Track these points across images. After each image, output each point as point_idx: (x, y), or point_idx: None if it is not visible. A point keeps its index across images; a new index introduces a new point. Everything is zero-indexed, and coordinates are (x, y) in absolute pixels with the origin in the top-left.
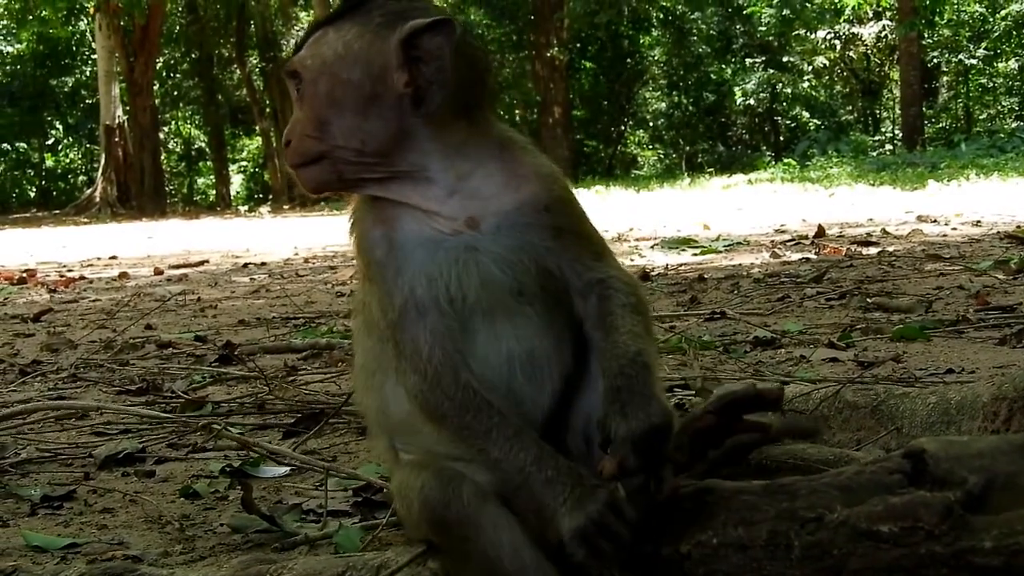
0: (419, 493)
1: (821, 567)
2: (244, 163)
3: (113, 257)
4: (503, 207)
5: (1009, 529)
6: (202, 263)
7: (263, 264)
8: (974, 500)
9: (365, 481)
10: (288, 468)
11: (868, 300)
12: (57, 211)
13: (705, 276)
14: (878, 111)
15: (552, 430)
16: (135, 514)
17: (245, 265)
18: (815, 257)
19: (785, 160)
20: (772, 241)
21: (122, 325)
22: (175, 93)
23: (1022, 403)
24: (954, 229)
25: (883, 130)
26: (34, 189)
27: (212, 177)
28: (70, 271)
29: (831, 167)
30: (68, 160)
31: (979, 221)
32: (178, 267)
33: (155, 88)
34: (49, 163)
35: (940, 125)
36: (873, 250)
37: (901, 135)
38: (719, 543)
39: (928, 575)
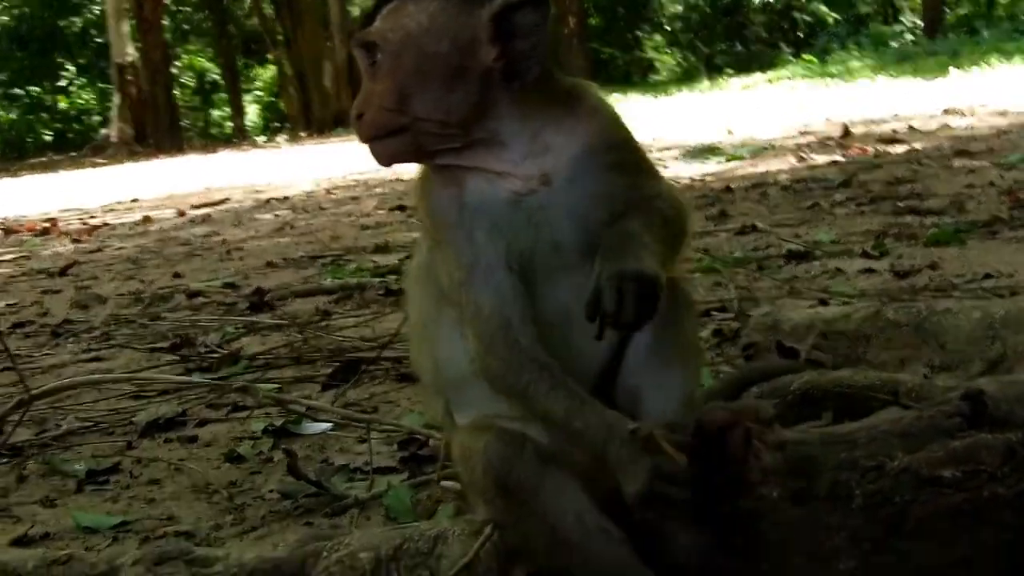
0: (482, 456)
1: (883, 515)
2: (258, 93)
3: (134, 200)
4: (572, 157)
5: None
6: (224, 201)
7: (285, 199)
8: None
9: (409, 432)
10: (330, 424)
11: (899, 204)
12: (74, 153)
13: (732, 186)
14: (897, 1)
15: (604, 384)
16: (182, 484)
17: (267, 201)
18: (842, 159)
19: (805, 57)
20: (797, 144)
21: (149, 275)
22: (186, 27)
23: None
24: (980, 120)
25: (902, 20)
26: (49, 133)
27: (227, 109)
28: (92, 218)
29: (851, 60)
30: (82, 101)
31: (1005, 111)
32: (200, 207)
33: (165, 23)
34: (63, 105)
35: (961, 12)
36: (900, 148)
37: (922, 24)
38: (779, 496)
39: (991, 518)
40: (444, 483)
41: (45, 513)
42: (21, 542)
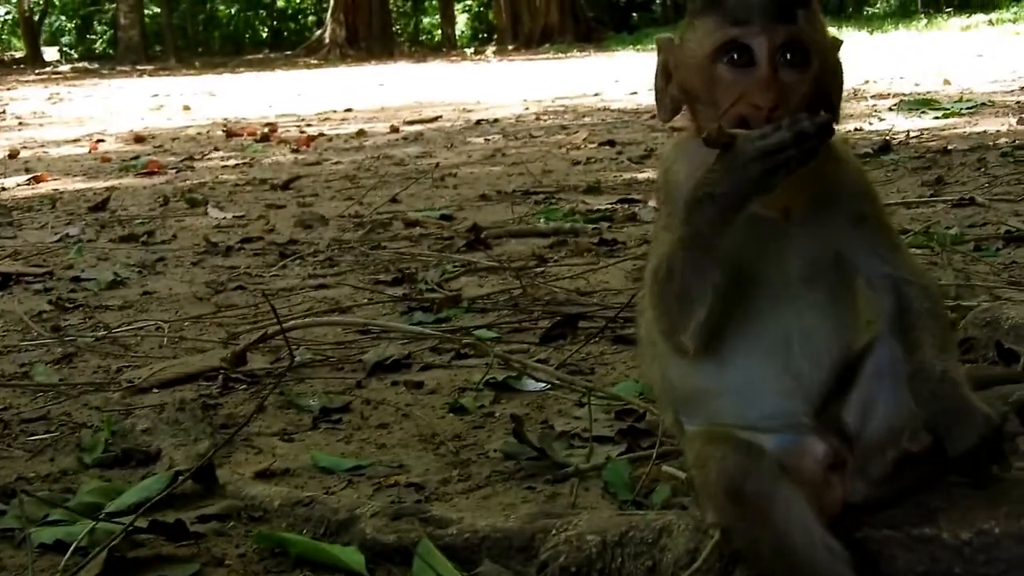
0: (718, 463)
1: None
2: (469, 2)
3: (348, 110)
4: (814, 196)
5: None
6: (435, 119)
7: (495, 121)
8: None
9: (626, 402)
10: (548, 384)
11: None
12: (288, 52)
13: (949, 148)
14: None
15: (830, 409)
16: (409, 431)
17: (478, 123)
18: None
19: None
20: (1018, 103)
21: (368, 197)
22: None
23: None
24: None
25: None
26: (266, 30)
27: (437, 17)
28: (309, 126)
29: None
30: (298, 0)
31: None
32: (412, 123)
33: None
34: (280, 4)
35: None
36: None
37: None
38: (1001, 533)
39: None
40: (662, 465)
41: (284, 447)
42: (264, 475)
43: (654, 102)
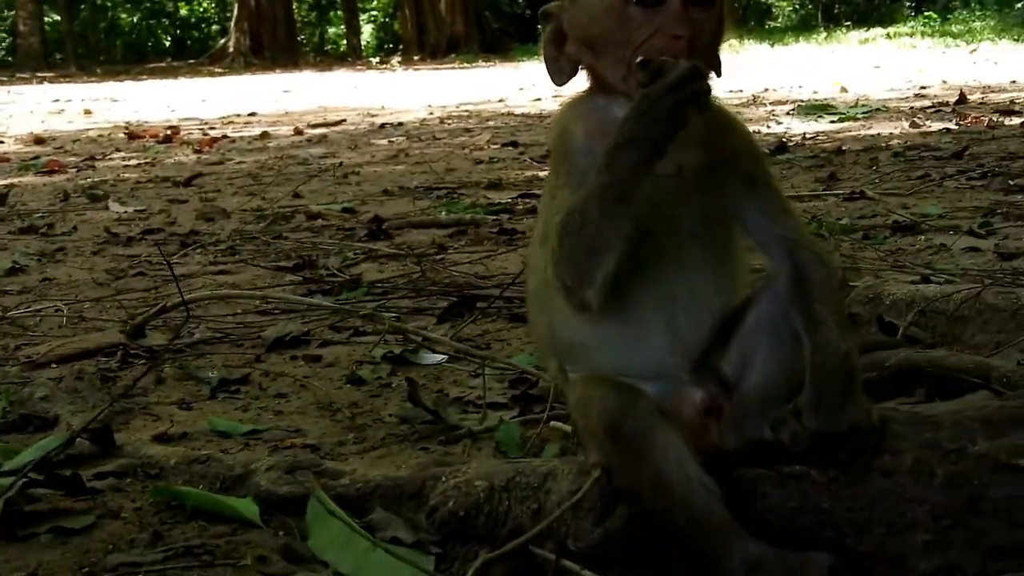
0: (599, 403)
1: (962, 495)
2: (374, 13)
3: (252, 114)
4: (705, 156)
5: None
6: (340, 122)
7: (400, 124)
8: None
9: (520, 371)
10: (445, 356)
11: (1010, 182)
12: (192, 60)
13: (843, 148)
14: None
15: (709, 359)
16: (307, 400)
17: (382, 125)
18: (956, 128)
19: (926, 13)
20: (911, 108)
21: (270, 193)
22: None
23: None
24: None
25: None
26: (168, 38)
27: (343, 27)
28: (212, 128)
29: (973, 20)
30: (201, 9)
31: None
32: (317, 126)
33: None
34: (183, 12)
35: None
36: (1016, 120)
37: None
38: (867, 467)
39: None
40: (552, 423)
41: (181, 414)
42: (162, 439)
43: (547, 72)
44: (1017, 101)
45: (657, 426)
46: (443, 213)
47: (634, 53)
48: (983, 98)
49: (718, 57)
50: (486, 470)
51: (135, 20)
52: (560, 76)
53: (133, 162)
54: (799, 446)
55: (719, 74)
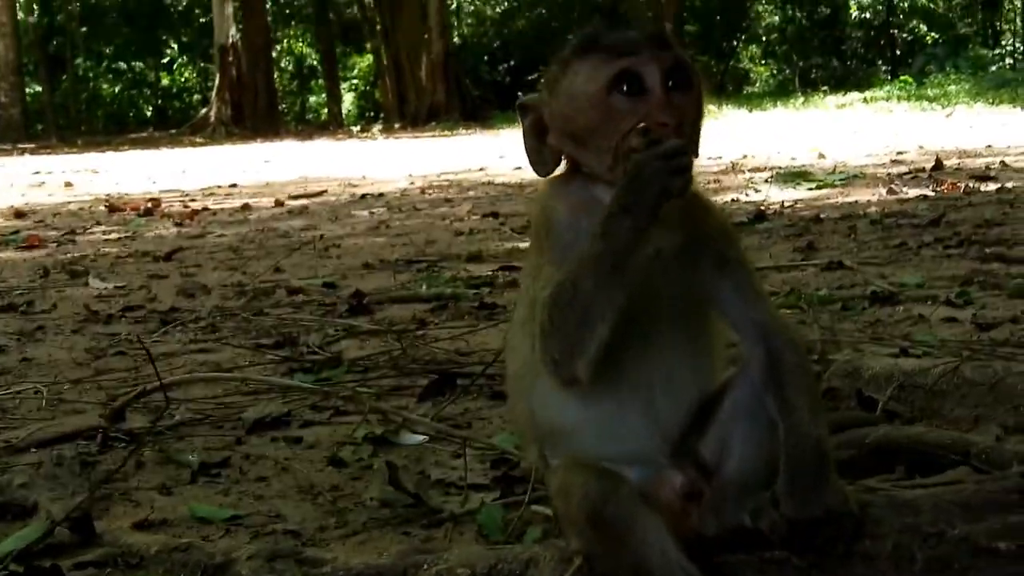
0: (580, 489)
1: None
2: (355, 82)
3: (233, 185)
4: (681, 238)
5: None
6: (321, 193)
7: (380, 195)
8: None
9: (502, 451)
10: (426, 437)
11: (986, 250)
12: (173, 130)
13: (822, 216)
14: (998, 23)
15: (688, 443)
16: (288, 483)
17: (363, 196)
18: (932, 194)
19: (902, 77)
20: (889, 175)
21: (251, 267)
22: (287, 11)
23: None
24: None
25: (1003, 43)
26: (150, 108)
27: (324, 96)
28: (193, 200)
29: (949, 84)
30: (183, 79)
31: None
32: (297, 197)
33: (268, 6)
34: (165, 82)
35: None
36: (992, 186)
37: (1022, 49)
38: (847, 552)
39: None
40: (534, 506)
41: (162, 500)
42: (142, 526)
43: (528, 163)
44: (992, 167)
45: (638, 512)
46: (424, 287)
47: (622, 141)
48: (959, 163)
49: (698, 139)
50: (468, 558)
51: (116, 90)
52: (543, 167)
53: (114, 236)
54: (778, 534)
55: (697, 155)
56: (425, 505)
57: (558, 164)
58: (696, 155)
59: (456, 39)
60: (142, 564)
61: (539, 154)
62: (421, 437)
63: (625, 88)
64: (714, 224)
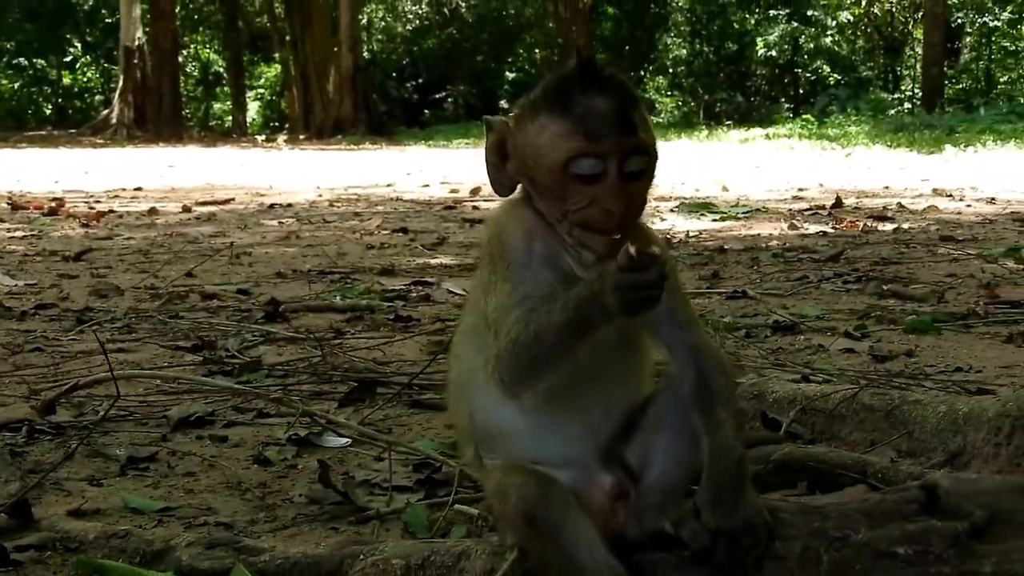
0: (517, 491)
1: None
2: (261, 91)
3: (138, 188)
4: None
5: (1006, 557)
6: (228, 201)
7: (289, 206)
8: (978, 531)
9: (425, 455)
10: (349, 440)
11: (883, 287)
12: (73, 130)
13: (726, 247)
14: (899, 69)
15: (616, 449)
16: (216, 479)
17: (271, 206)
18: (832, 231)
19: (803, 116)
20: (790, 210)
21: (162, 271)
22: (195, 17)
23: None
24: (968, 206)
25: (903, 88)
26: (50, 107)
27: (229, 103)
28: (98, 202)
29: (849, 125)
30: (85, 79)
31: (993, 199)
32: (205, 204)
33: (176, 10)
34: (66, 81)
35: (960, 86)
36: (889, 226)
37: (921, 95)
38: (760, 558)
39: None
40: (457, 506)
41: (93, 491)
42: (77, 514)
43: (488, 179)
44: (890, 207)
45: (570, 513)
46: (338, 298)
47: (573, 214)
48: (858, 202)
49: (642, 210)
50: (402, 550)
51: (16, 87)
52: (501, 188)
53: (19, 234)
54: (699, 543)
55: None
56: (352, 503)
57: (514, 189)
58: (639, 217)
59: (366, 54)
60: (81, 548)
61: (498, 175)
62: (344, 440)
63: (584, 169)
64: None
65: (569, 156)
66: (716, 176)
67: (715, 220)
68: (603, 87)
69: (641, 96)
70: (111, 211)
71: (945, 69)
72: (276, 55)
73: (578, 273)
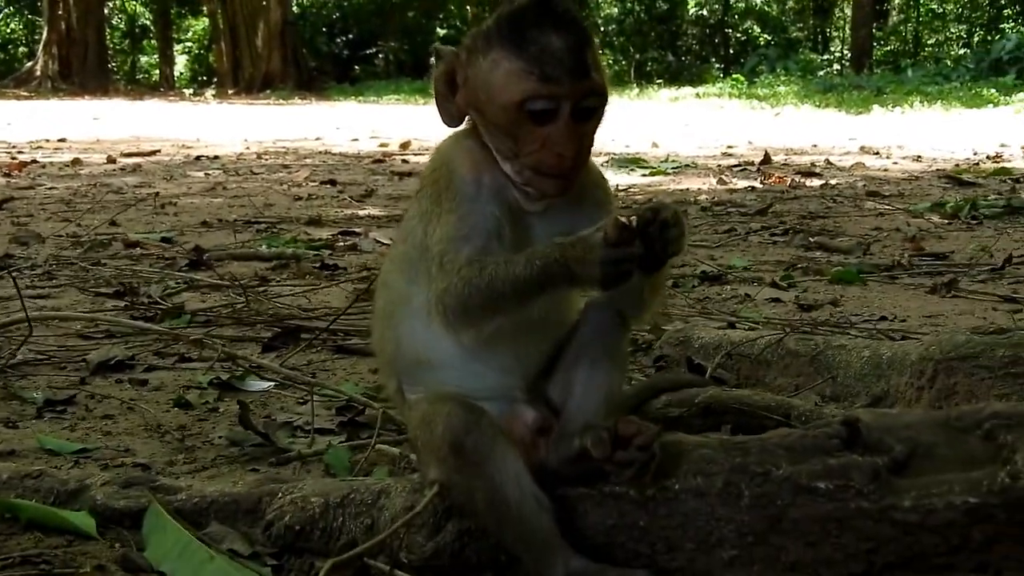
0: (445, 419)
1: (766, 515)
2: (189, 44)
3: (62, 140)
4: (568, 205)
5: (926, 491)
6: (154, 152)
7: (216, 158)
8: (898, 465)
9: (347, 398)
10: (272, 383)
11: (810, 239)
12: None
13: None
14: (828, 30)
15: (539, 384)
16: (135, 422)
17: (198, 158)
18: (760, 187)
19: (734, 76)
20: (719, 166)
21: (85, 220)
22: None
23: (945, 364)
24: (895, 163)
25: (832, 50)
26: None
27: (156, 56)
28: (20, 152)
29: (778, 85)
30: (8, 30)
31: (919, 156)
32: (130, 155)
33: None
34: None
35: (888, 48)
36: (816, 182)
37: (849, 56)
38: (680, 488)
39: (856, 525)
40: (380, 447)
41: (8, 432)
42: None
43: (436, 108)
44: (817, 164)
45: (497, 442)
46: (264, 246)
47: (524, 157)
48: (786, 159)
49: (591, 150)
50: (321, 487)
51: None
52: (449, 119)
53: None
54: (601, 451)
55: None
56: (273, 445)
57: (462, 120)
58: (588, 157)
59: (295, 8)
60: None
61: (446, 103)
62: (267, 384)
63: (538, 111)
64: (592, 180)
65: (524, 97)
66: (646, 134)
67: (645, 175)
68: (559, 24)
69: (594, 31)
70: (34, 161)
71: (874, 31)
72: (204, 8)
73: (524, 207)
